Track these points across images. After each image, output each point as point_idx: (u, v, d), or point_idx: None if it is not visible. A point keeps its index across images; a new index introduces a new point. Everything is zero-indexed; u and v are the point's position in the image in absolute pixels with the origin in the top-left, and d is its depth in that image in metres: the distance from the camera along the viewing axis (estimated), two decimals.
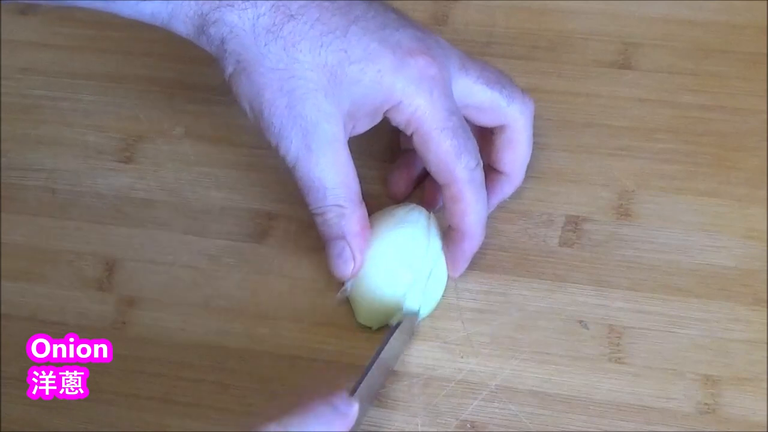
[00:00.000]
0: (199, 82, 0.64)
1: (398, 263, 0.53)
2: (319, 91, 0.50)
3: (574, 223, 0.57)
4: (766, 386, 0.51)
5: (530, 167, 0.57)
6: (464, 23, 0.66)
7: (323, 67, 0.50)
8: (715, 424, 0.50)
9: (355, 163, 0.52)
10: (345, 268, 0.53)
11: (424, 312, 0.54)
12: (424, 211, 0.55)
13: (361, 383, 0.49)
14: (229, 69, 0.51)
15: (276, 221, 0.59)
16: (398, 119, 0.52)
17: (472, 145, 0.52)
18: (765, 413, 0.50)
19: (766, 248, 0.55)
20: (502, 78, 0.55)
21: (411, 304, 0.53)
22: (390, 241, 0.53)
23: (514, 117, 0.55)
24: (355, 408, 0.46)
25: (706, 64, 0.63)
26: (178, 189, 0.61)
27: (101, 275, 0.58)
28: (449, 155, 0.51)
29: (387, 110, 0.52)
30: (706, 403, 0.51)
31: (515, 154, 0.56)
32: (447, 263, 0.54)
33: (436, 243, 0.54)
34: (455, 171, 0.52)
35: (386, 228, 0.54)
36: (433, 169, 0.52)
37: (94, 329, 0.56)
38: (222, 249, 0.58)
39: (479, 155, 0.53)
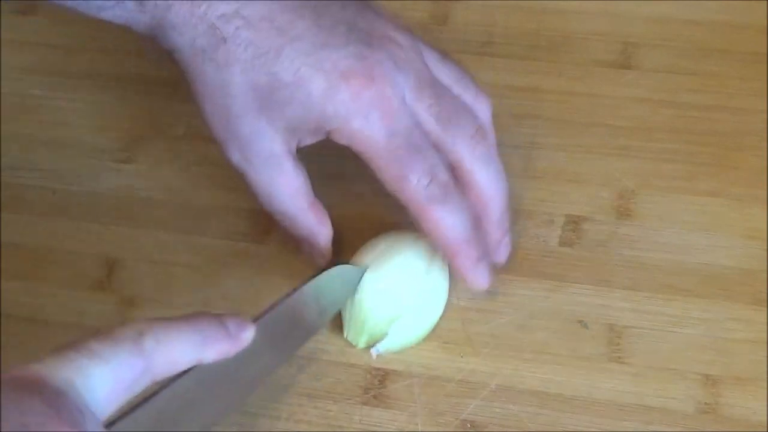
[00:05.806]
0: None
1: (391, 290, 0.52)
2: (252, 111, 0.51)
3: (574, 223, 0.57)
4: (766, 386, 0.51)
5: (530, 167, 0.57)
6: (464, 23, 0.66)
7: (255, 89, 0.50)
8: (715, 424, 0.50)
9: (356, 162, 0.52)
10: (319, 262, 0.55)
11: (415, 338, 0.53)
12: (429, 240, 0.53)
13: (265, 314, 0.47)
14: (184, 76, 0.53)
15: (276, 221, 0.59)
16: (341, 142, 0.51)
17: (422, 163, 0.50)
18: (765, 413, 0.50)
19: (766, 248, 0.55)
20: (454, 115, 0.51)
21: (398, 331, 0.52)
22: (388, 267, 0.53)
23: (459, 158, 0.52)
24: (248, 332, 0.44)
25: (706, 64, 0.63)
26: (178, 189, 0.61)
27: (101, 275, 0.58)
28: (394, 178, 0.50)
29: (327, 132, 0.51)
30: (706, 403, 0.51)
31: (475, 192, 0.52)
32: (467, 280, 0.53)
33: (437, 273, 0.53)
34: (405, 193, 0.50)
35: (387, 253, 0.53)
36: (388, 190, 0.51)
37: (94, 329, 0.55)
38: (222, 249, 0.58)
39: (435, 169, 0.50)
